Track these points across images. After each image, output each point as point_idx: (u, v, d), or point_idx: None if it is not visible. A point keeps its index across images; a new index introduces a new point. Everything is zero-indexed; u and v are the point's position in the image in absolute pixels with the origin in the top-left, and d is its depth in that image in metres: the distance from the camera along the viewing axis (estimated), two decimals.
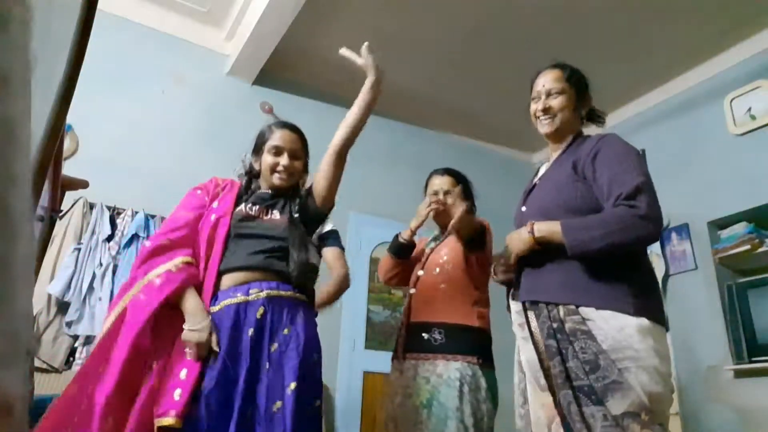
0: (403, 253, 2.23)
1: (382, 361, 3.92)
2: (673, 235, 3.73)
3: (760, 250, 3.31)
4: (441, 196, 2.20)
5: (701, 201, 3.64)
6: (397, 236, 2.26)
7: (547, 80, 1.69)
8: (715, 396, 3.29)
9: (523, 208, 1.69)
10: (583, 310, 1.37)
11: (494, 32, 3.70)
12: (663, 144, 4.02)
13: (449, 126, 4.84)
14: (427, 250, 2.21)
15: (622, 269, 1.40)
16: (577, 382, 1.31)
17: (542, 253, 1.48)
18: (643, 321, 1.33)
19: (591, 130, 1.75)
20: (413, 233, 2.20)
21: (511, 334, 1.59)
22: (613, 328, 1.32)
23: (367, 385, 3.74)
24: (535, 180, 1.73)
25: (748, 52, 3.67)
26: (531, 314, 1.49)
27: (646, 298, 1.38)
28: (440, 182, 2.26)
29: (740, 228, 3.44)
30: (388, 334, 3.95)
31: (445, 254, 2.11)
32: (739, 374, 3.25)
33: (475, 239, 2.02)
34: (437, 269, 2.09)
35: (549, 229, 1.45)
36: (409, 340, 2.03)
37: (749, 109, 3.55)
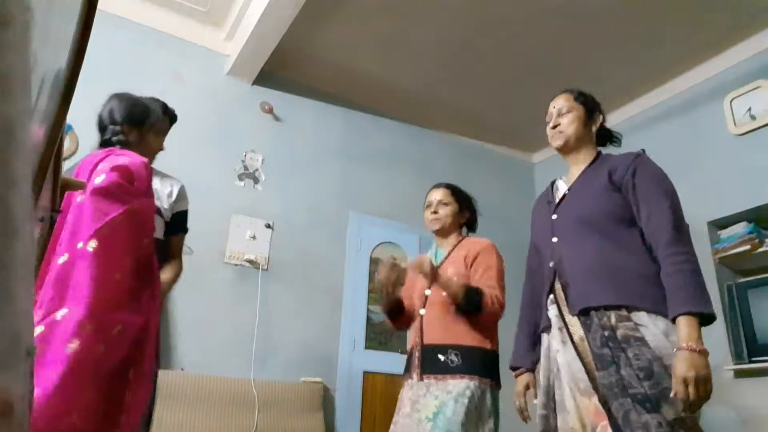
0: (395, 314, 2.23)
1: (382, 361, 3.94)
2: None
3: (760, 250, 3.31)
4: (434, 207, 2.24)
5: (701, 201, 3.64)
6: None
7: (557, 102, 1.82)
8: (715, 396, 3.27)
9: (554, 216, 1.71)
10: (634, 315, 1.41)
11: (494, 32, 3.70)
12: (663, 144, 4.02)
13: (449, 126, 4.84)
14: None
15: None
16: (631, 390, 1.34)
17: (584, 259, 1.56)
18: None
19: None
20: (387, 307, 2.20)
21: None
22: (663, 334, 1.38)
23: (367, 385, 3.74)
24: (561, 193, 1.76)
25: (748, 52, 3.66)
26: (576, 323, 1.51)
27: None
28: (436, 194, 2.28)
29: (740, 228, 3.44)
30: (388, 334, 3.95)
31: (452, 274, 2.08)
32: (739, 374, 3.25)
33: (469, 303, 1.97)
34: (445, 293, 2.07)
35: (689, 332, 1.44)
36: (425, 362, 2.03)
37: (749, 109, 3.55)
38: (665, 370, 1.32)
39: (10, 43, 0.27)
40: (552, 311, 1.60)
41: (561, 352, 1.53)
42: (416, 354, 2.07)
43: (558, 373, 1.53)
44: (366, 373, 3.76)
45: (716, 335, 3.35)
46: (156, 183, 1.85)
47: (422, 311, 2.12)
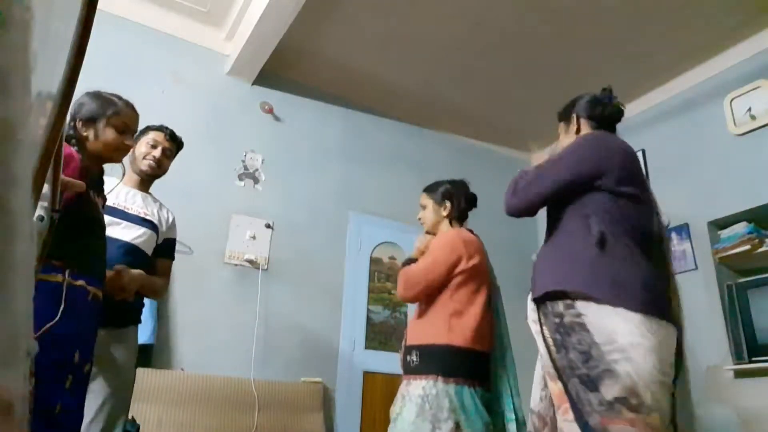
0: None
1: (382, 361, 3.94)
2: (673, 235, 3.73)
3: (760, 250, 3.31)
4: (419, 213, 2.37)
5: (701, 201, 3.64)
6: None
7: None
8: (715, 396, 3.29)
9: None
10: (578, 304, 1.50)
11: (494, 32, 3.70)
12: (663, 144, 4.02)
13: (449, 126, 4.84)
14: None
15: (605, 257, 1.52)
16: (577, 372, 1.45)
17: (543, 252, 1.69)
18: (628, 315, 1.43)
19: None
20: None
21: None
22: (601, 322, 1.45)
23: (367, 385, 3.74)
24: None
25: (748, 52, 3.66)
26: (540, 312, 1.62)
27: (628, 289, 1.47)
28: (420, 200, 2.40)
29: (740, 228, 3.44)
30: (388, 334, 3.95)
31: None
32: (739, 374, 3.25)
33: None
34: None
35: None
36: (403, 363, 2.16)
37: (749, 109, 3.55)
38: (602, 354, 1.41)
39: (10, 43, 0.27)
40: (529, 305, 1.70)
41: (538, 343, 1.64)
42: (402, 356, 2.21)
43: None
44: (366, 373, 3.76)
45: (716, 335, 3.35)
46: (155, 208, 2.03)
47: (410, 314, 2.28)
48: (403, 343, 2.21)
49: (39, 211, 0.89)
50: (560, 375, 1.51)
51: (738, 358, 3.21)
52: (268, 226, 3.73)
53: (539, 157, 5.25)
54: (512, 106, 4.50)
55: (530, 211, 1.71)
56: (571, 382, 1.46)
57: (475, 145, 5.03)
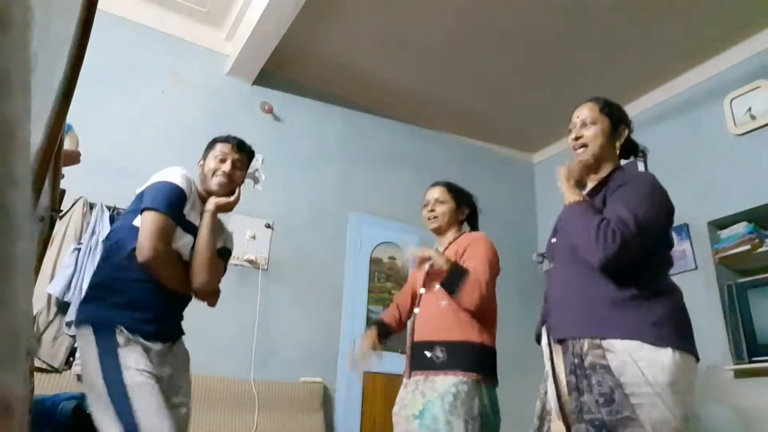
0: (388, 335, 2.33)
1: (382, 361, 3.93)
2: (673, 235, 3.72)
3: (760, 250, 3.31)
4: (431, 206, 2.24)
5: (701, 201, 3.64)
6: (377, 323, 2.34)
7: (581, 112, 1.69)
8: (715, 396, 3.29)
9: (554, 240, 1.70)
10: (606, 343, 1.38)
11: (494, 32, 3.70)
12: (663, 144, 4.02)
13: (449, 126, 4.84)
14: (428, 267, 2.19)
15: (646, 298, 1.41)
16: (588, 416, 1.33)
17: (565, 288, 1.53)
18: (668, 352, 1.33)
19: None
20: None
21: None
22: (633, 360, 1.33)
23: (367, 385, 3.74)
24: None
25: (748, 52, 3.67)
26: (558, 351, 1.52)
27: (671, 326, 1.38)
28: (432, 193, 2.29)
29: (740, 228, 3.44)
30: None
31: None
32: (739, 374, 3.25)
33: (451, 278, 1.97)
34: (438, 286, 2.08)
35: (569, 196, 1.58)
36: (414, 359, 2.05)
37: (749, 109, 3.55)
38: (626, 399, 1.30)
39: (10, 43, 0.27)
40: (544, 339, 1.61)
41: (549, 381, 1.55)
42: (408, 352, 2.11)
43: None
44: (366, 373, 3.76)
45: (716, 335, 3.35)
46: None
47: (416, 310, 2.15)
48: (410, 338, 2.12)
49: (39, 211, 0.89)
50: (565, 417, 1.43)
51: (738, 358, 3.22)
52: (268, 226, 3.73)
53: (539, 157, 5.25)
54: (512, 106, 4.50)
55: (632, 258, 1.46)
56: (575, 427, 1.37)
57: (476, 145, 5.03)
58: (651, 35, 3.65)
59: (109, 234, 1.80)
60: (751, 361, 3.15)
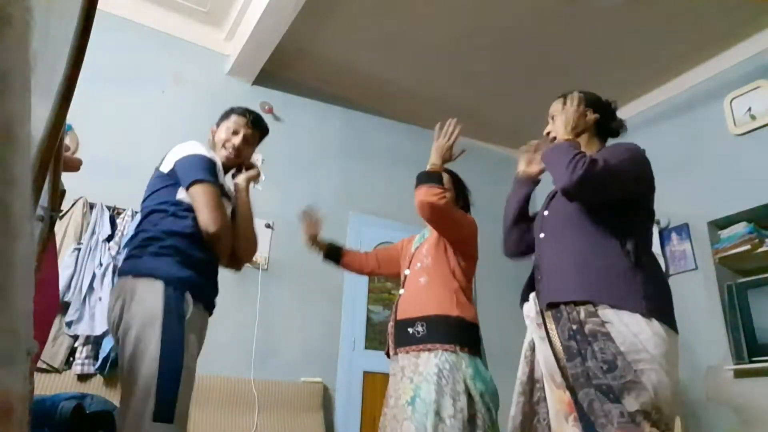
0: (335, 256, 2.52)
1: (382, 361, 3.90)
2: (673, 235, 3.73)
3: (760, 250, 3.31)
4: None
5: (701, 201, 3.64)
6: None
7: (551, 109, 1.85)
8: (715, 396, 3.28)
9: (546, 212, 1.77)
10: (601, 312, 1.44)
11: (494, 32, 3.70)
12: (663, 144, 4.02)
13: None
14: (413, 250, 2.27)
15: (638, 271, 1.48)
16: (595, 381, 1.39)
17: (559, 256, 1.60)
18: (657, 325, 1.40)
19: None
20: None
21: (509, 330, 1.61)
22: (631, 331, 1.40)
23: (367, 385, 3.74)
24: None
25: (748, 52, 3.66)
26: (549, 316, 1.57)
27: (659, 301, 1.46)
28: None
29: (740, 228, 3.44)
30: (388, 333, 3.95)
31: (425, 249, 2.18)
32: (739, 374, 3.25)
33: (429, 173, 2.01)
34: (419, 264, 2.16)
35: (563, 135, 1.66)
36: (396, 336, 2.10)
37: (749, 109, 3.55)
38: (629, 365, 1.36)
39: (11, 43, 0.27)
40: (533, 306, 1.65)
41: (540, 347, 1.59)
42: (391, 330, 2.14)
43: (538, 366, 1.61)
44: (366, 373, 3.76)
45: (716, 335, 3.35)
46: None
47: (401, 291, 2.20)
48: (392, 318, 2.15)
49: (39, 211, 0.89)
50: (569, 383, 1.45)
51: (738, 358, 3.21)
52: (268, 226, 3.73)
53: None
54: (512, 106, 4.50)
55: (596, 194, 1.55)
56: (583, 391, 1.40)
57: (475, 144, 5.02)
58: (651, 35, 3.64)
59: (149, 212, 1.69)
60: (751, 361, 3.15)
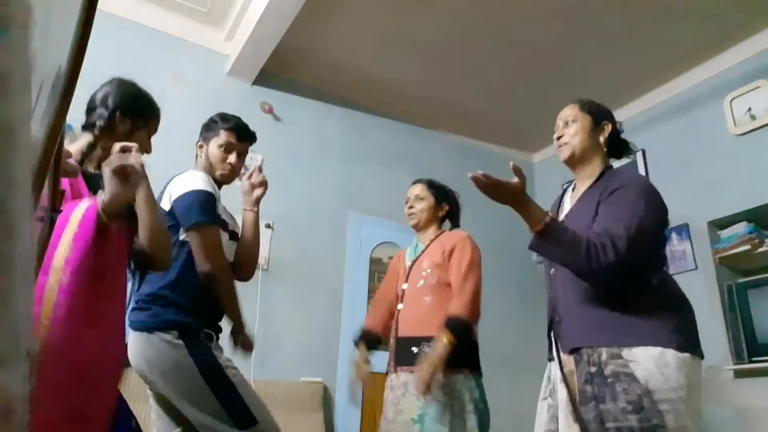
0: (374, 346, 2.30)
1: (382, 361, 3.93)
2: (673, 235, 3.73)
3: (760, 250, 3.31)
4: (410, 203, 2.33)
5: (701, 201, 3.64)
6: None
7: (563, 113, 1.74)
8: (715, 396, 3.29)
9: None
10: (626, 352, 1.37)
11: (494, 32, 3.70)
12: (663, 144, 4.02)
13: (449, 126, 4.84)
14: (408, 263, 2.25)
15: (661, 302, 1.43)
16: (612, 424, 1.32)
17: (576, 293, 1.51)
18: (686, 356, 1.36)
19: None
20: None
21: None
22: (655, 365, 1.34)
23: (367, 385, 3.72)
24: (564, 213, 1.71)
25: (748, 52, 3.66)
26: (570, 360, 1.49)
27: (685, 329, 1.41)
28: (413, 190, 2.37)
29: (740, 228, 3.44)
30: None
31: (427, 266, 2.15)
32: (739, 374, 3.25)
33: (462, 338, 1.95)
34: (421, 282, 2.13)
35: (533, 214, 1.52)
36: (399, 354, 2.08)
37: (749, 109, 3.55)
38: (654, 405, 1.30)
39: (10, 43, 0.27)
40: (552, 344, 1.60)
41: (560, 387, 1.53)
42: (392, 347, 2.14)
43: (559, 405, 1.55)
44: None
45: (716, 335, 3.35)
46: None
47: (399, 306, 2.18)
48: (394, 334, 2.14)
49: (39, 211, 0.89)
50: (582, 427, 1.40)
51: (738, 358, 3.21)
52: (268, 226, 3.73)
53: (539, 157, 5.25)
54: (512, 105, 4.50)
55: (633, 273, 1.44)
56: None
57: (475, 145, 5.02)
58: (651, 35, 3.64)
59: None
60: (751, 361, 3.15)
